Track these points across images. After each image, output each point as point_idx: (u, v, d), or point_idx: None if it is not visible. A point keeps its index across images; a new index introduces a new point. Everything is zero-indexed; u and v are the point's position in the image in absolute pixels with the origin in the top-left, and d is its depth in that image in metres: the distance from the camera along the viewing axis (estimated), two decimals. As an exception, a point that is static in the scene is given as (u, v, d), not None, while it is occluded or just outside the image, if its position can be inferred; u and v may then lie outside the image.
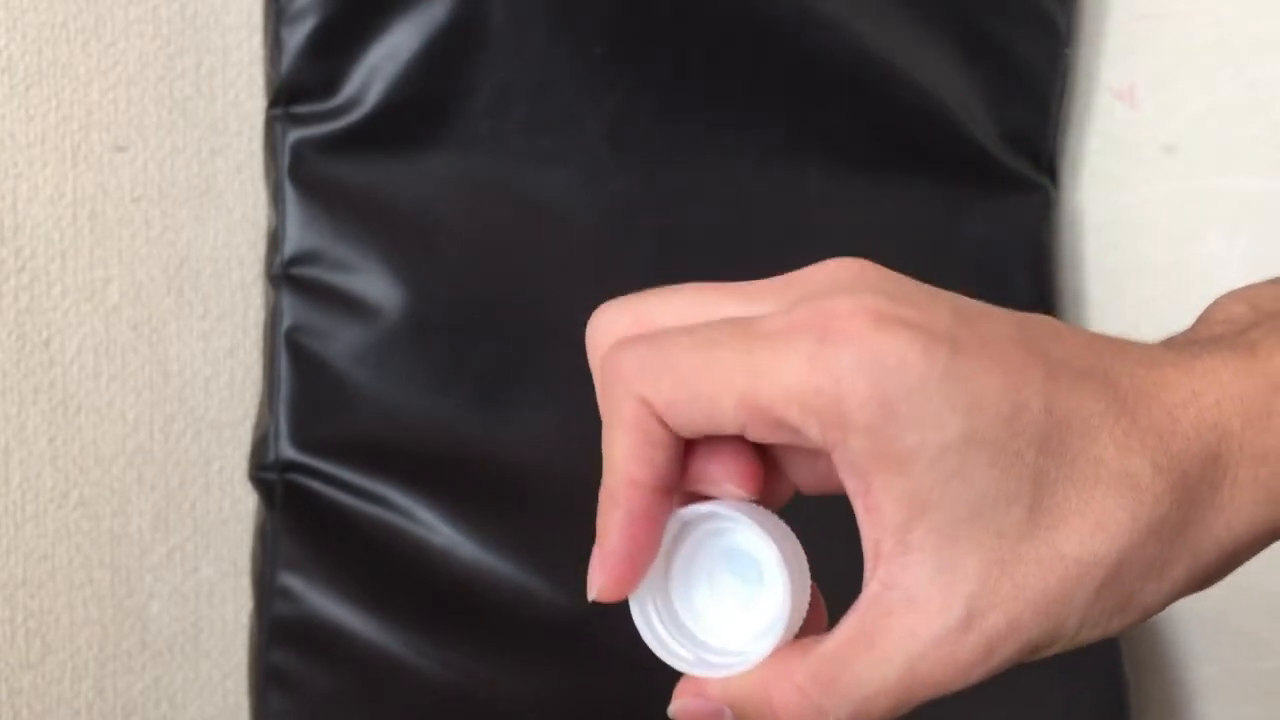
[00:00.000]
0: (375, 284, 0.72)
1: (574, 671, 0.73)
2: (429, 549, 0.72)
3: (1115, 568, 0.30)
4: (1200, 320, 0.35)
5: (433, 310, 0.73)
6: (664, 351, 0.30)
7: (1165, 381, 0.31)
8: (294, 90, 0.72)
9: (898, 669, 0.30)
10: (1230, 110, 0.85)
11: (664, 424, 0.31)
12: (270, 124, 0.73)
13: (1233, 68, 0.85)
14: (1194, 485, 0.30)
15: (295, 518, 0.72)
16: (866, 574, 0.30)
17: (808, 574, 0.33)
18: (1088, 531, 0.30)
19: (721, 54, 0.77)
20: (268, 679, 0.71)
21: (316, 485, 0.72)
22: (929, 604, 0.30)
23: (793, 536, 0.33)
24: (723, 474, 0.32)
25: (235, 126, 0.76)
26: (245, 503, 0.78)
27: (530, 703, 0.72)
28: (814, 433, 0.29)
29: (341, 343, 0.72)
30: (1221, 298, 0.35)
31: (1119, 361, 0.31)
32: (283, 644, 0.71)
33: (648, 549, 0.33)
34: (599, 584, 0.35)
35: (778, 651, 0.31)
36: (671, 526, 0.33)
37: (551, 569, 0.72)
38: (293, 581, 0.71)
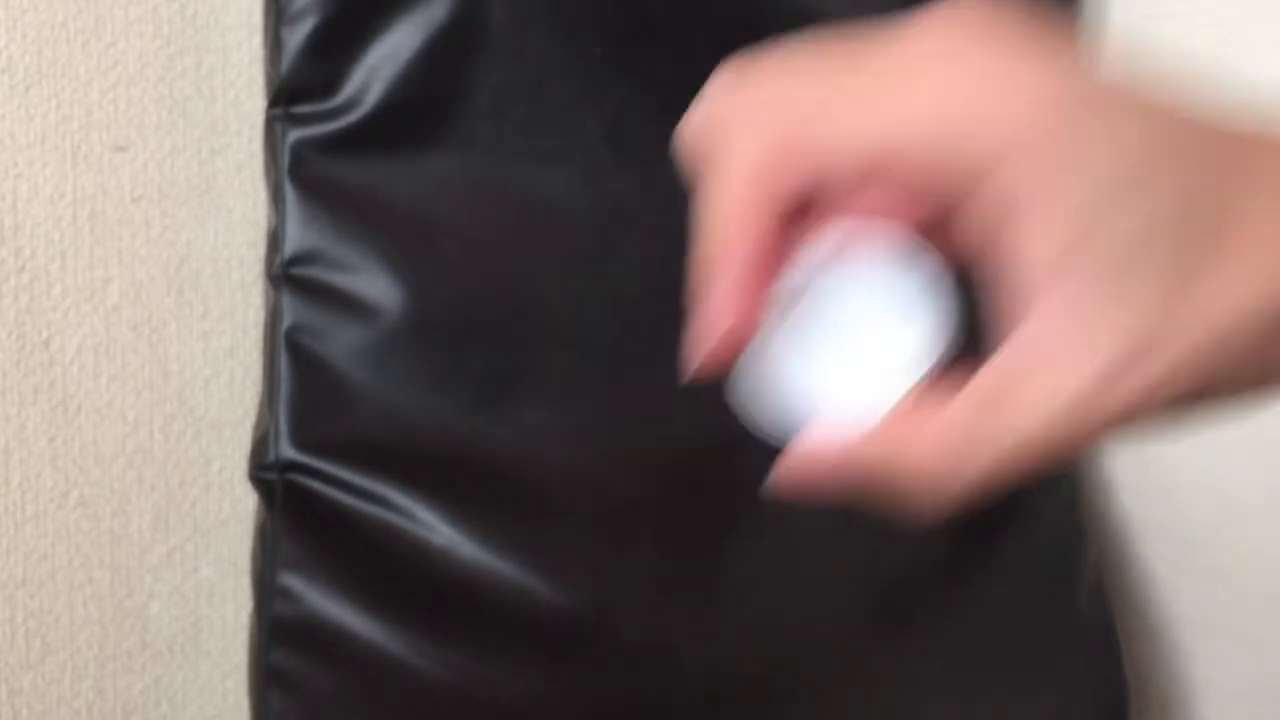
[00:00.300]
0: (375, 284, 0.72)
1: (574, 671, 0.73)
2: (429, 549, 0.72)
3: (1265, 329, 0.26)
4: None
5: (433, 310, 0.73)
6: (811, 84, 0.27)
7: None
8: (294, 90, 0.72)
9: (1046, 415, 0.26)
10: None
11: (785, 178, 0.27)
12: (270, 124, 0.73)
13: (1235, 68, 0.85)
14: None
15: (295, 518, 0.72)
16: (1010, 314, 0.27)
17: (948, 315, 0.29)
18: (1249, 290, 0.26)
19: (722, 54, 0.77)
20: (268, 679, 0.71)
21: (317, 485, 0.72)
22: (1084, 347, 0.26)
23: (931, 274, 0.29)
24: (886, 203, 0.28)
25: (235, 126, 0.76)
26: (245, 503, 0.78)
27: (530, 702, 0.72)
28: (968, 157, 0.26)
29: (341, 343, 0.72)
30: None
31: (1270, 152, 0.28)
32: (283, 644, 0.71)
33: (749, 323, 0.29)
34: (699, 363, 0.30)
35: (910, 404, 0.28)
36: (792, 275, 0.29)
37: (552, 569, 0.72)
38: (293, 581, 0.71)
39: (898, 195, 0.27)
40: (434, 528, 0.72)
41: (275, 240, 0.73)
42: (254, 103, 0.76)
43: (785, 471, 0.29)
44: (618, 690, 0.74)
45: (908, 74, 0.26)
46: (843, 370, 0.29)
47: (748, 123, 0.28)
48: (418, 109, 0.72)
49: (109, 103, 0.73)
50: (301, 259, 0.73)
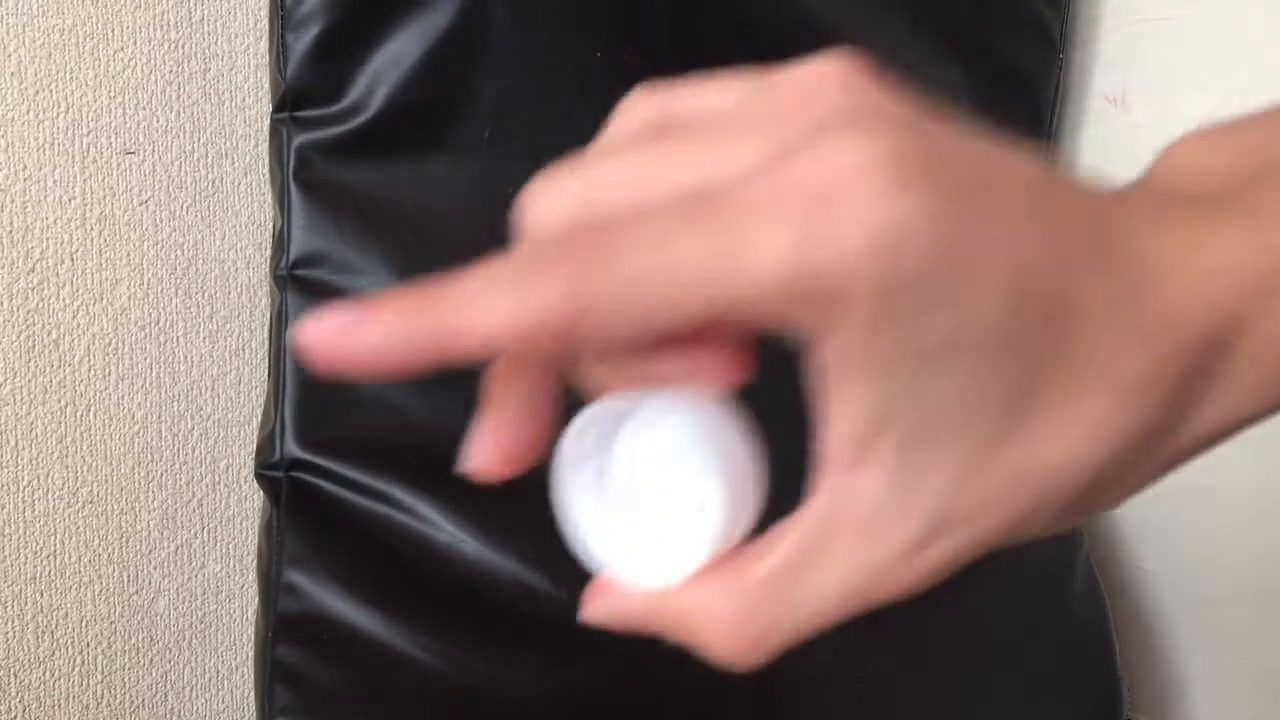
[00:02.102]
0: (379, 285, 0.72)
1: (575, 666, 0.73)
2: (432, 546, 0.72)
3: (1094, 475, 0.26)
4: (1168, 165, 0.30)
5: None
6: (611, 254, 0.24)
7: (1179, 260, 0.26)
8: (299, 95, 0.72)
9: (844, 590, 0.26)
10: (1223, 115, 0.85)
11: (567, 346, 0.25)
12: (276, 128, 0.73)
13: (1225, 72, 0.85)
14: (1192, 380, 0.26)
15: (301, 515, 0.72)
16: (816, 483, 0.26)
17: (756, 475, 0.28)
18: (1075, 438, 0.26)
19: (721, 58, 0.78)
20: (273, 674, 0.71)
21: (321, 483, 0.72)
22: (881, 525, 0.26)
23: (744, 432, 0.28)
24: (688, 368, 0.26)
25: (241, 130, 0.77)
26: (251, 500, 0.78)
27: (532, 697, 0.72)
28: (794, 329, 0.24)
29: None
30: (1191, 138, 0.30)
31: (1130, 236, 0.26)
32: (288, 639, 0.71)
33: (543, 431, 0.29)
34: (482, 461, 0.30)
35: (711, 566, 0.27)
36: (606, 416, 0.28)
37: (553, 566, 0.72)
38: (298, 578, 0.71)
39: (748, 326, 0.25)
40: (437, 524, 0.72)
41: (281, 242, 0.73)
42: (260, 107, 0.77)
43: (592, 609, 0.30)
44: (617, 686, 0.74)
45: (754, 226, 0.23)
46: (651, 519, 0.29)
47: (572, 294, 0.24)
48: (421, 113, 0.72)
49: (117, 107, 0.73)
50: (306, 261, 0.73)
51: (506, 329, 0.24)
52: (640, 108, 0.29)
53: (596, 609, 0.30)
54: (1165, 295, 0.26)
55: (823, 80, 0.26)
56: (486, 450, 0.30)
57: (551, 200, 0.27)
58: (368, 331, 0.24)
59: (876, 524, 0.26)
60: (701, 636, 0.27)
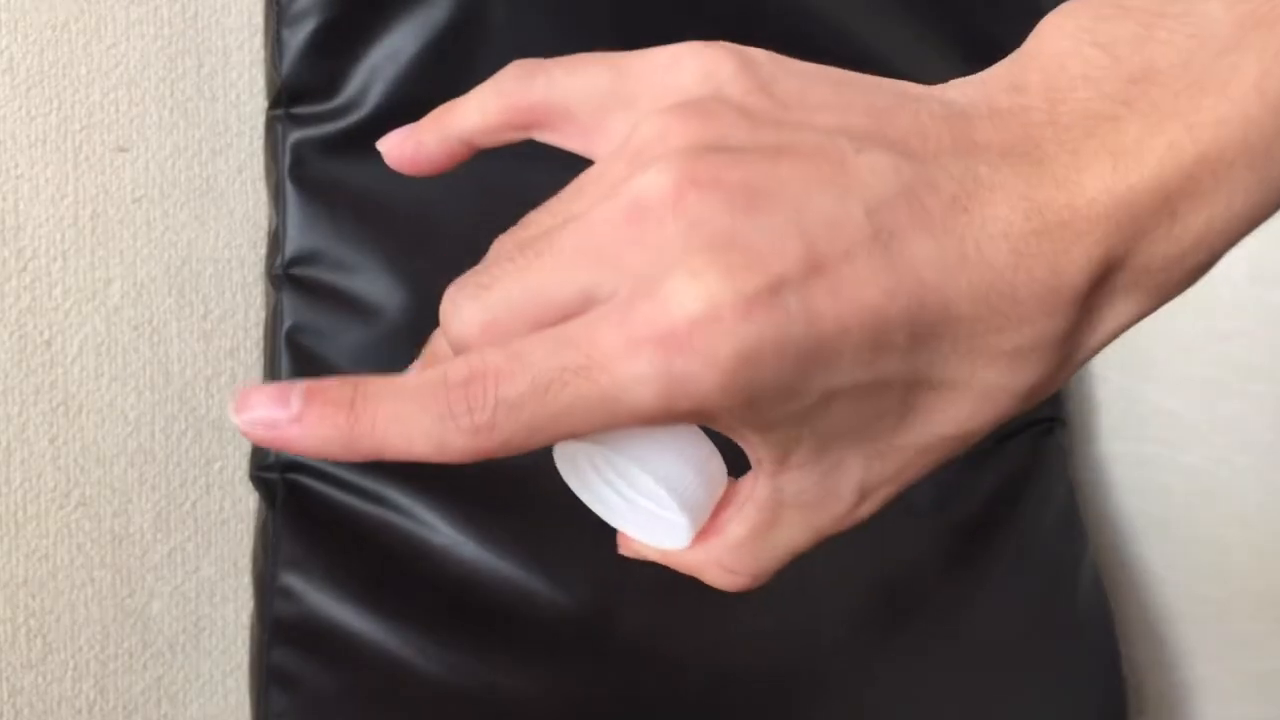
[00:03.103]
0: (375, 284, 0.72)
1: (574, 670, 0.73)
2: (429, 548, 0.72)
3: (994, 422, 0.30)
4: (1045, 55, 0.29)
5: (433, 310, 0.72)
6: (509, 413, 0.28)
7: (1051, 220, 0.28)
8: (295, 91, 0.72)
9: (809, 535, 0.32)
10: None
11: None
12: (271, 125, 0.73)
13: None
14: (1075, 330, 0.29)
15: (296, 517, 0.72)
16: (756, 474, 0.31)
17: (711, 466, 0.32)
18: (966, 414, 0.30)
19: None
20: (269, 678, 0.71)
21: (317, 485, 0.72)
22: (819, 501, 0.31)
23: (700, 439, 0.32)
24: None
25: (236, 127, 0.76)
26: (246, 502, 0.78)
27: (530, 701, 0.72)
28: (683, 421, 0.29)
29: (342, 343, 0.72)
30: (1060, 17, 0.30)
31: (989, 223, 0.28)
32: (283, 643, 0.71)
33: (463, 157, 0.38)
34: (402, 163, 0.38)
35: (699, 534, 0.33)
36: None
37: (552, 568, 0.72)
38: (293, 581, 0.71)
39: None
40: (434, 527, 0.72)
41: (276, 240, 0.73)
42: (255, 103, 0.76)
43: (626, 548, 0.36)
44: (617, 690, 0.74)
45: (616, 380, 0.28)
46: (643, 509, 0.34)
47: (480, 422, 0.29)
48: (418, 109, 0.72)
49: (110, 104, 0.73)
50: (302, 259, 0.73)
51: (431, 457, 0.29)
52: (501, 94, 0.36)
53: (630, 548, 0.36)
54: (1039, 272, 0.28)
55: (664, 196, 0.28)
56: (400, 151, 0.38)
57: (463, 320, 0.31)
58: (296, 433, 0.29)
59: (813, 503, 0.31)
60: (706, 580, 0.33)
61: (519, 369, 0.28)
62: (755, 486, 0.31)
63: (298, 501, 0.72)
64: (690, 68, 0.32)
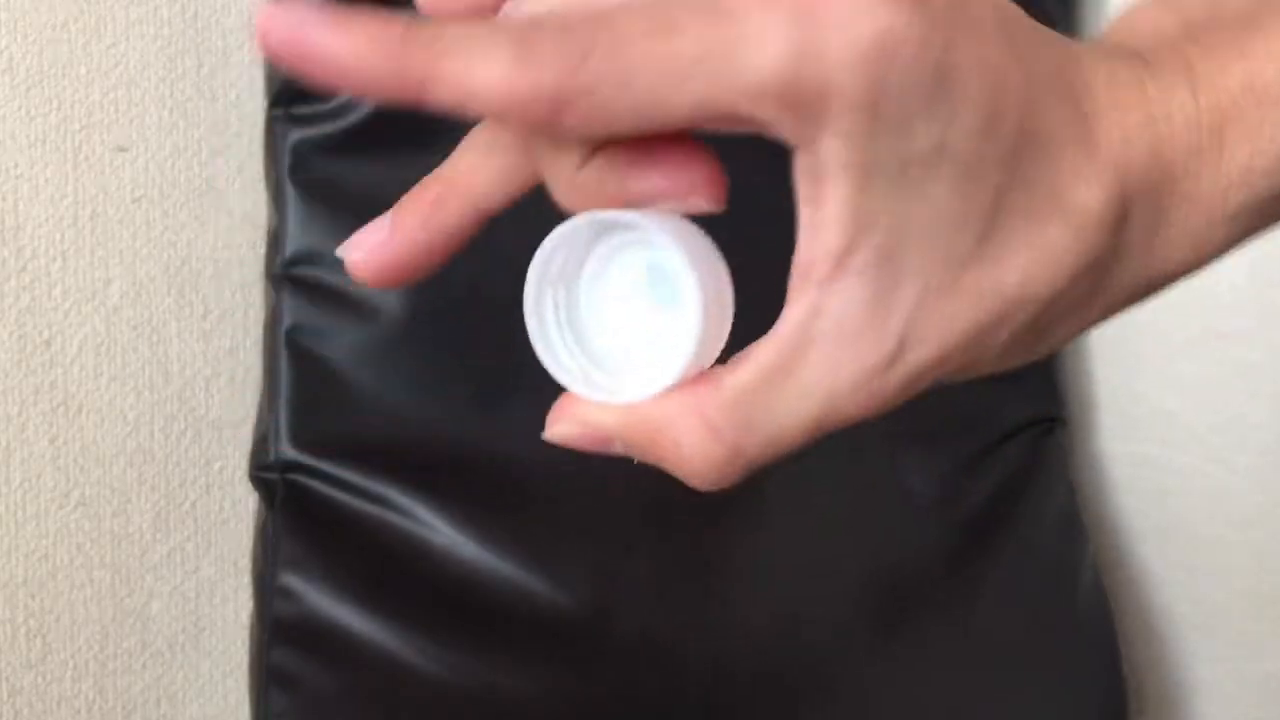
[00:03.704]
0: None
1: (573, 670, 0.73)
2: (429, 548, 0.72)
3: (1047, 304, 0.28)
4: (1118, 26, 0.32)
5: (433, 310, 0.73)
6: (611, 38, 0.24)
7: (1123, 103, 0.28)
8: (294, 91, 0.72)
9: (818, 403, 0.27)
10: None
11: (566, 125, 0.25)
12: (270, 124, 0.73)
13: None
14: (1134, 223, 0.28)
15: (295, 517, 0.72)
16: (792, 294, 0.27)
17: (730, 303, 0.29)
18: (1032, 266, 0.27)
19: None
20: (268, 678, 0.71)
21: (317, 485, 0.72)
22: (858, 335, 0.27)
23: (718, 257, 0.29)
24: (675, 184, 0.27)
25: (236, 127, 0.76)
26: (246, 502, 0.78)
27: (530, 701, 0.72)
28: (784, 130, 0.25)
29: (341, 343, 0.72)
30: (1141, 7, 0.32)
31: (1083, 72, 0.28)
32: (283, 643, 0.71)
33: (436, 256, 0.31)
34: (371, 260, 0.31)
35: (684, 382, 0.28)
36: (585, 230, 0.28)
37: (552, 568, 0.72)
38: (293, 581, 0.71)
39: (734, 128, 0.26)
40: (434, 527, 0.72)
41: (276, 240, 0.73)
42: (254, 103, 0.76)
43: (558, 434, 0.29)
44: (617, 689, 0.73)
45: (745, 30, 0.24)
46: (625, 338, 0.29)
47: (560, 68, 0.24)
48: (417, 109, 0.72)
49: (110, 103, 0.73)
50: (302, 259, 0.73)
51: (497, 93, 0.24)
52: None
53: (561, 427, 0.29)
54: (1114, 136, 0.28)
55: None
56: (372, 242, 0.31)
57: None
58: (332, 40, 0.24)
59: (851, 335, 0.27)
60: (672, 449, 0.27)
61: (636, 10, 0.24)
62: (782, 318, 0.27)
63: (297, 501, 0.72)
64: None
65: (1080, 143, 0.28)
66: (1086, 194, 0.28)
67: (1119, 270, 0.29)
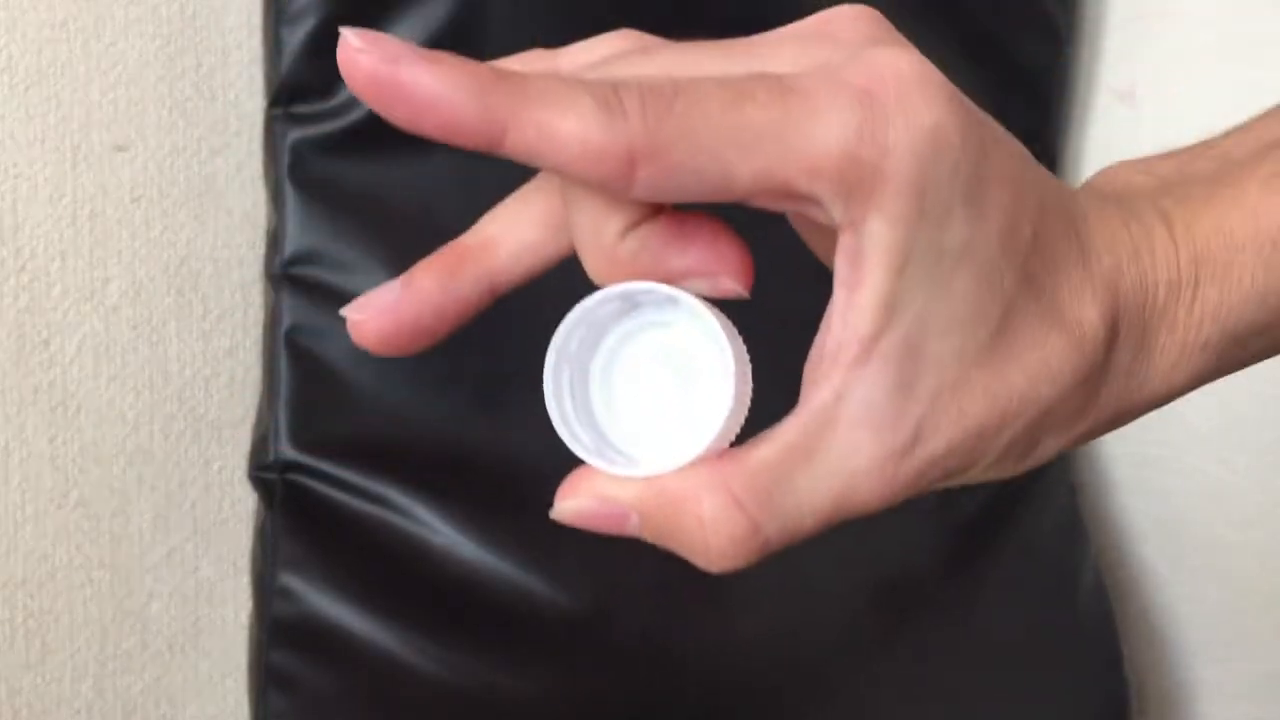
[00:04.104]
0: (375, 284, 0.72)
1: (573, 671, 0.73)
2: (429, 549, 0.72)
3: (1045, 412, 0.29)
4: (1097, 184, 0.35)
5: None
6: (690, 100, 0.25)
7: (1112, 236, 0.31)
8: (294, 90, 0.72)
9: (836, 485, 0.28)
10: (1230, 110, 0.85)
11: (629, 188, 0.26)
12: (270, 124, 0.73)
13: (1232, 67, 0.85)
14: (1121, 345, 0.31)
15: (295, 518, 0.72)
16: (816, 376, 0.28)
17: (750, 385, 0.29)
18: (1037, 370, 0.29)
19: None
20: (268, 679, 0.71)
21: (316, 485, 0.72)
22: (880, 421, 0.28)
23: (738, 337, 0.29)
24: (710, 263, 0.28)
25: (235, 126, 0.76)
26: (245, 503, 0.78)
27: (530, 702, 0.72)
28: (834, 209, 0.27)
29: (341, 343, 0.72)
30: (1114, 167, 0.35)
31: (1079, 204, 0.31)
32: (283, 644, 0.71)
33: (445, 325, 0.31)
34: (375, 322, 0.31)
35: (707, 457, 0.28)
36: (615, 302, 0.29)
37: (552, 568, 0.72)
38: (293, 581, 0.71)
39: (784, 206, 0.27)
40: (434, 527, 0.72)
41: (275, 240, 0.73)
42: (254, 102, 0.76)
43: (572, 509, 0.29)
44: (617, 690, 0.73)
45: (814, 108, 0.26)
46: (640, 413, 0.29)
47: (635, 125, 0.25)
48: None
49: (109, 102, 0.73)
50: (301, 259, 0.72)
51: (576, 143, 0.25)
52: (623, 39, 0.33)
53: (574, 501, 0.29)
54: (1106, 261, 0.30)
55: (855, 16, 0.29)
56: (380, 303, 0.32)
57: (614, 41, 0.29)
58: (424, 77, 0.24)
59: (874, 420, 0.28)
60: (694, 523, 0.28)
61: (710, 80, 0.26)
62: (806, 398, 0.28)
63: (297, 502, 0.72)
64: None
65: (1080, 264, 0.30)
66: (1086, 310, 0.30)
67: (1105, 391, 0.31)
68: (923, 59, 0.27)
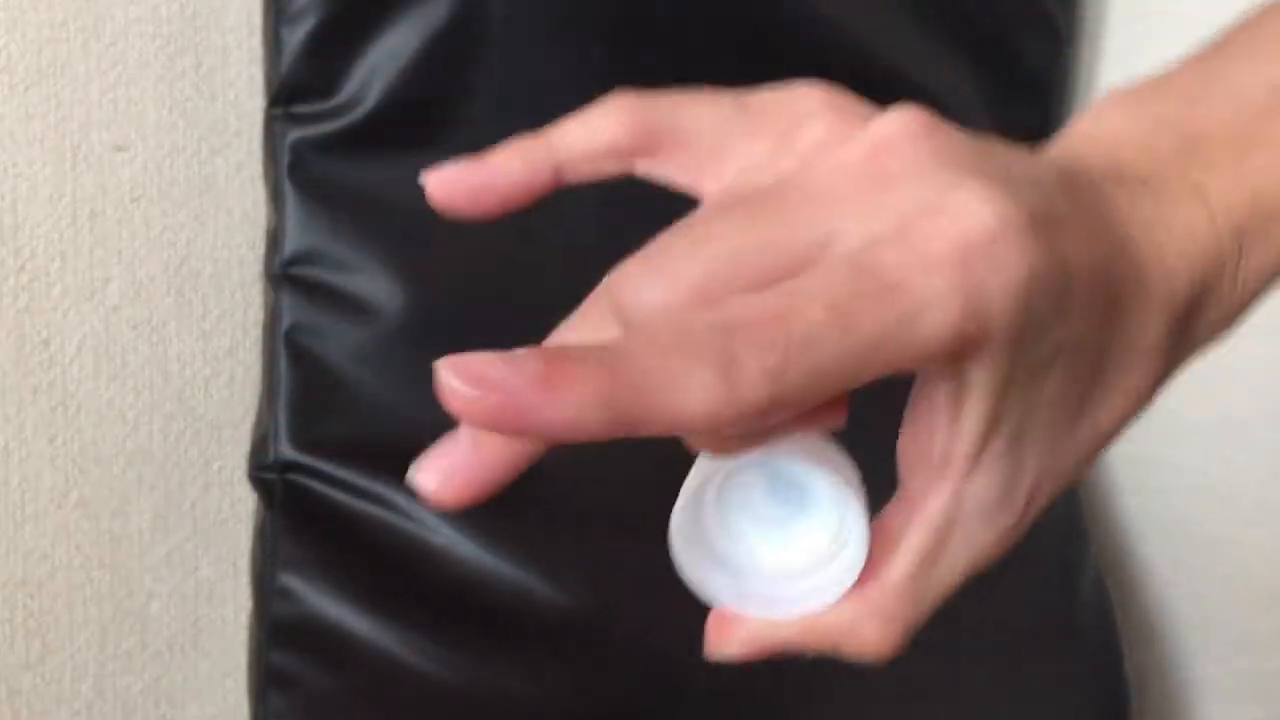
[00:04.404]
0: (375, 284, 0.72)
1: (573, 671, 0.73)
2: (428, 548, 0.72)
3: (1124, 428, 0.31)
4: (1104, 133, 0.34)
5: (433, 310, 0.72)
6: (805, 338, 0.25)
7: (1157, 239, 0.31)
8: (294, 90, 0.72)
9: (965, 567, 0.31)
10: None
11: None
12: (270, 123, 0.73)
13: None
14: (1181, 338, 0.32)
15: (295, 517, 0.72)
16: (928, 484, 0.30)
17: (866, 504, 0.30)
18: (1123, 408, 0.31)
19: (722, 54, 0.77)
20: (267, 679, 0.71)
21: (316, 485, 0.72)
22: (995, 511, 0.30)
23: (846, 457, 0.30)
24: (820, 415, 0.28)
25: (235, 126, 0.76)
26: (245, 503, 0.78)
27: (530, 702, 0.72)
28: (935, 369, 0.28)
29: (341, 343, 0.72)
30: (1111, 111, 0.34)
31: (1118, 213, 0.31)
32: (282, 644, 0.71)
33: (506, 475, 0.32)
34: (449, 485, 0.32)
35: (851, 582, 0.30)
36: (717, 468, 0.29)
37: (552, 568, 0.72)
38: (292, 581, 0.71)
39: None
40: (433, 527, 0.72)
41: (275, 240, 0.73)
42: (254, 102, 0.76)
43: (724, 643, 0.32)
44: (617, 689, 0.73)
45: (916, 298, 0.26)
46: (756, 548, 0.31)
47: (752, 367, 0.25)
48: (418, 108, 0.72)
49: (109, 102, 0.73)
50: (301, 259, 0.72)
51: (706, 417, 0.25)
52: (620, 111, 0.33)
53: (732, 649, 0.32)
54: (1157, 275, 0.30)
55: (911, 138, 0.28)
56: (454, 463, 0.33)
57: (663, 283, 0.27)
58: (550, 407, 0.24)
59: (990, 512, 0.30)
60: (857, 647, 0.30)
61: (808, 301, 0.25)
62: (925, 505, 0.30)
63: (297, 502, 0.72)
64: (816, 96, 0.31)
65: (1139, 293, 0.30)
66: (1153, 337, 0.31)
67: (1175, 362, 0.32)
68: (994, 188, 0.27)
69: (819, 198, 0.28)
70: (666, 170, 0.33)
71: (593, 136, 0.33)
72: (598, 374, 0.24)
